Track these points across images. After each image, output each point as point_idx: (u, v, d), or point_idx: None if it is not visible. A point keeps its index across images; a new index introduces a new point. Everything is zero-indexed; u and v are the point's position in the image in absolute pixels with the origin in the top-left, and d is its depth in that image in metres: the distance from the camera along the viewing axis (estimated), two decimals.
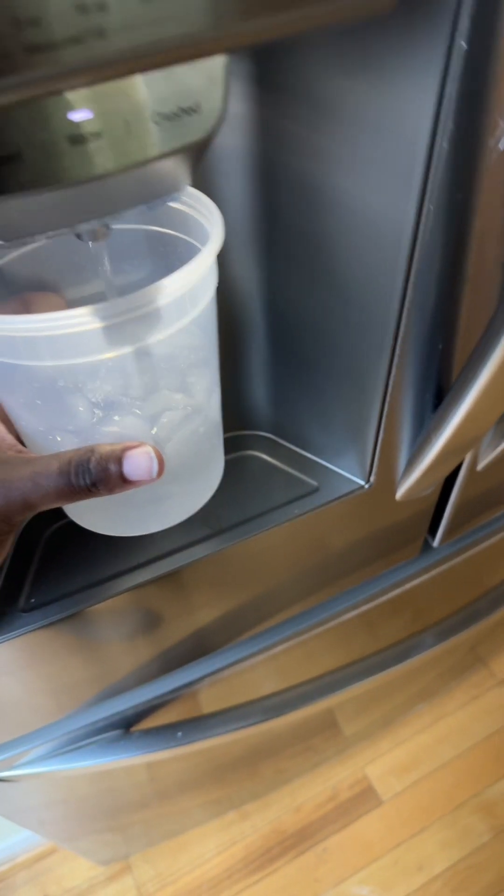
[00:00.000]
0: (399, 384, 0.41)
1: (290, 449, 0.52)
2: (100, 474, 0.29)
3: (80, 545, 0.47)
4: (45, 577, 0.46)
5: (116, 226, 0.33)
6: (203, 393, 0.34)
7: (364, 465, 0.48)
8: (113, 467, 0.29)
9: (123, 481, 0.29)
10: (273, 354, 0.47)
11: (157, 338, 0.28)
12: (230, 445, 0.52)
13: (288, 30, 0.22)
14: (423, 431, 0.46)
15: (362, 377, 0.42)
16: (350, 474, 0.49)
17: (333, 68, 0.30)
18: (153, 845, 1.19)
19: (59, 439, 0.32)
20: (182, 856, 1.15)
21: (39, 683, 0.51)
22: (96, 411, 0.31)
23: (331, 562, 0.57)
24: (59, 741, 0.60)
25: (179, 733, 0.61)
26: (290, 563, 0.54)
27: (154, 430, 0.32)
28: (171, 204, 0.31)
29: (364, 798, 1.18)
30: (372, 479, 0.48)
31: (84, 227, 0.26)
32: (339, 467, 0.50)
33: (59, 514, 0.47)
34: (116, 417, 0.31)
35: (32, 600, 0.44)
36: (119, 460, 0.29)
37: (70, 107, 0.21)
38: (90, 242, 0.28)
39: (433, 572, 0.65)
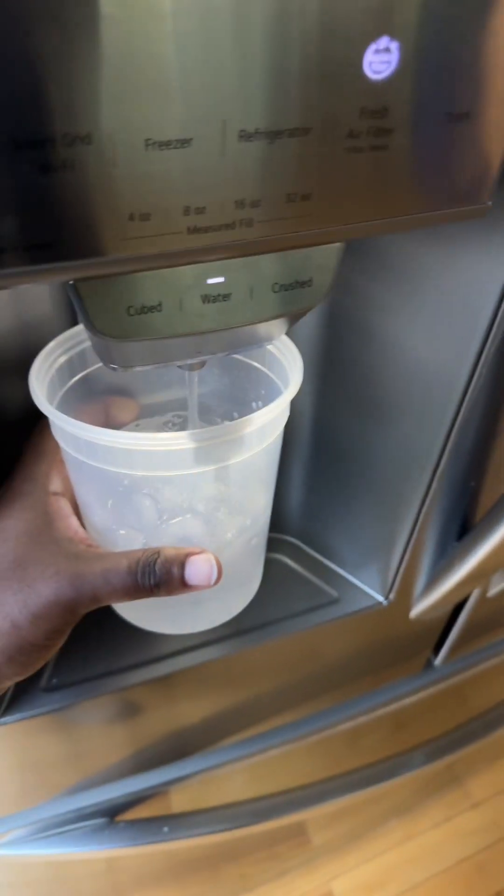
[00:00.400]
0: (430, 512, 0.44)
1: (314, 557, 0.54)
2: (163, 576, 0.31)
3: (104, 629, 0.48)
4: (68, 658, 0.47)
5: None
6: (260, 508, 0.36)
7: (385, 582, 0.50)
8: (176, 571, 0.31)
9: (183, 585, 0.31)
10: (312, 467, 0.50)
11: (236, 460, 0.31)
12: None
13: (397, 229, 0.26)
14: (444, 558, 0.48)
15: (397, 501, 0.45)
16: (370, 589, 0.51)
17: (412, 239, 0.35)
18: None
19: (122, 533, 0.35)
20: None
21: (34, 762, 0.51)
22: (164, 514, 0.34)
23: (335, 670, 0.58)
24: (40, 824, 0.59)
25: (166, 828, 0.60)
26: (296, 669, 0.55)
27: (214, 538, 0.35)
28: None
29: None
30: (391, 596, 0.50)
31: (188, 362, 0.29)
32: (360, 580, 0.52)
33: None
34: (179, 519, 0.34)
35: (55, 680, 0.45)
36: (182, 565, 0.31)
37: (209, 273, 0.25)
38: (187, 371, 0.32)
39: (431, 690, 0.66)
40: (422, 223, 0.26)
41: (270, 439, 0.33)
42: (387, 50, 0.22)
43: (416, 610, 0.52)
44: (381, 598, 0.51)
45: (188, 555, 0.32)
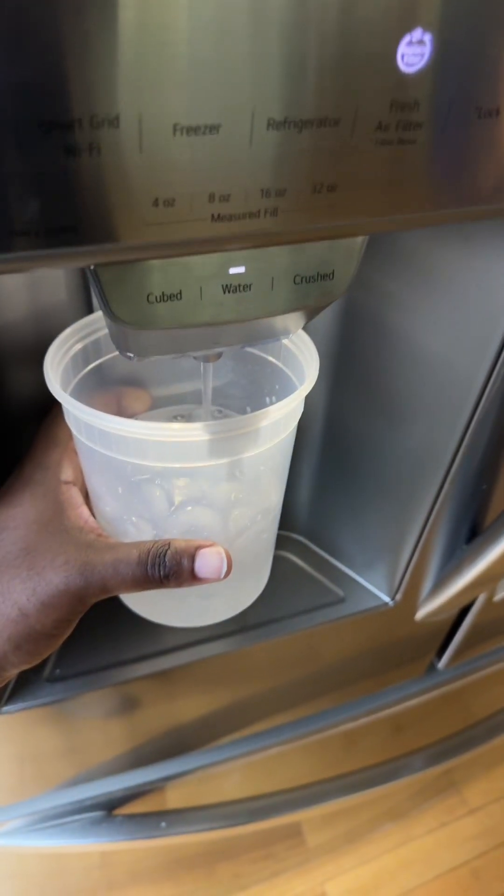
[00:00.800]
0: (440, 514, 0.44)
1: (321, 556, 0.54)
2: (173, 568, 0.31)
3: (109, 621, 0.48)
4: (72, 648, 0.47)
5: None
6: (272, 503, 0.36)
7: (392, 582, 0.50)
8: (186, 563, 0.31)
9: (193, 577, 0.31)
10: (322, 465, 0.50)
11: (250, 454, 0.31)
12: None
13: (422, 224, 0.26)
14: (453, 560, 0.48)
15: (407, 501, 0.45)
16: (377, 589, 0.51)
17: (433, 238, 0.35)
18: None
19: (134, 522, 0.34)
20: None
21: (35, 753, 0.51)
22: (175, 506, 0.33)
23: (339, 670, 0.58)
24: (39, 815, 0.59)
25: (163, 823, 0.60)
26: (300, 667, 0.55)
27: (224, 526, 0.35)
28: None
29: None
30: (398, 597, 0.50)
31: (204, 353, 0.29)
32: (366, 580, 0.52)
33: None
34: (190, 510, 0.34)
35: (58, 671, 0.45)
36: (192, 557, 0.31)
37: (231, 262, 0.25)
38: (203, 362, 0.31)
39: (433, 693, 0.66)
40: (445, 220, 0.26)
41: (284, 434, 0.33)
42: (420, 42, 0.21)
43: (422, 612, 0.52)
44: (387, 599, 0.50)
45: (198, 547, 0.31)
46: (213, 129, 0.21)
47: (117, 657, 0.46)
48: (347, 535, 0.51)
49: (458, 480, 0.42)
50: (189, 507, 0.34)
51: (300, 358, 0.34)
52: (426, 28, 0.21)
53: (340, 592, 0.51)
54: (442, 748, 0.81)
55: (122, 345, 0.28)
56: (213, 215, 0.23)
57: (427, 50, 0.21)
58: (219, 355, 0.31)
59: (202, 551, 0.31)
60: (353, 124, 0.22)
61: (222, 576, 0.32)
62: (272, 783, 0.74)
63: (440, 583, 0.49)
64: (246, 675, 0.52)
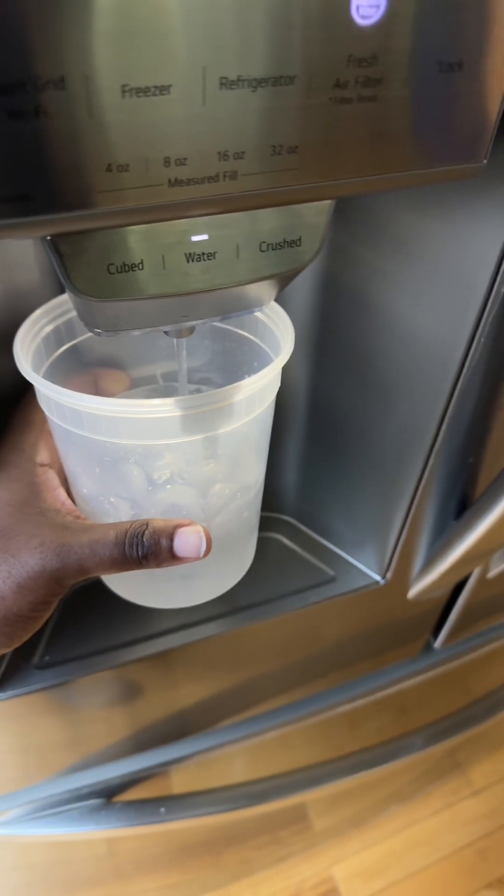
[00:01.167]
0: (428, 489, 0.43)
1: (310, 536, 0.54)
2: (151, 547, 0.30)
3: (98, 607, 0.48)
4: (61, 635, 0.46)
5: None
6: (252, 480, 0.36)
7: (382, 561, 0.49)
8: (164, 542, 0.31)
9: (172, 557, 0.31)
10: (308, 443, 0.49)
11: (226, 429, 0.30)
12: None
13: (388, 187, 0.25)
14: (443, 536, 0.48)
15: (394, 478, 0.44)
16: (367, 568, 0.51)
17: (408, 204, 0.34)
18: None
19: (112, 501, 0.34)
20: None
21: (30, 741, 0.51)
22: (152, 483, 0.33)
23: (333, 652, 0.58)
24: (36, 805, 0.59)
25: (162, 809, 0.60)
26: (295, 649, 0.55)
27: (203, 503, 0.34)
28: None
29: None
30: (388, 575, 0.50)
31: (175, 327, 0.29)
32: (357, 560, 0.51)
33: None
34: (169, 488, 0.33)
35: (47, 657, 0.45)
36: (171, 536, 0.31)
37: (193, 230, 0.24)
38: (175, 338, 0.31)
39: (431, 673, 0.66)
40: (413, 181, 0.25)
41: (261, 408, 0.32)
42: None
43: (414, 590, 0.52)
44: (378, 578, 0.50)
45: (177, 526, 0.31)
46: (164, 89, 0.20)
47: (107, 642, 0.46)
48: (336, 514, 0.51)
49: (444, 454, 0.41)
50: (168, 486, 0.33)
51: (276, 332, 0.34)
52: None
53: (331, 572, 0.51)
54: (443, 726, 0.81)
55: (88, 320, 0.27)
56: (169, 180, 0.22)
57: (383, 1, 0.21)
58: (191, 330, 0.31)
59: (181, 530, 0.31)
60: (310, 82, 0.21)
61: (202, 554, 0.31)
62: (274, 766, 0.74)
63: (431, 560, 0.49)
64: (239, 658, 0.52)
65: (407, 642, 0.62)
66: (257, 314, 0.35)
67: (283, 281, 0.28)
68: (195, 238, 0.24)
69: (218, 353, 0.38)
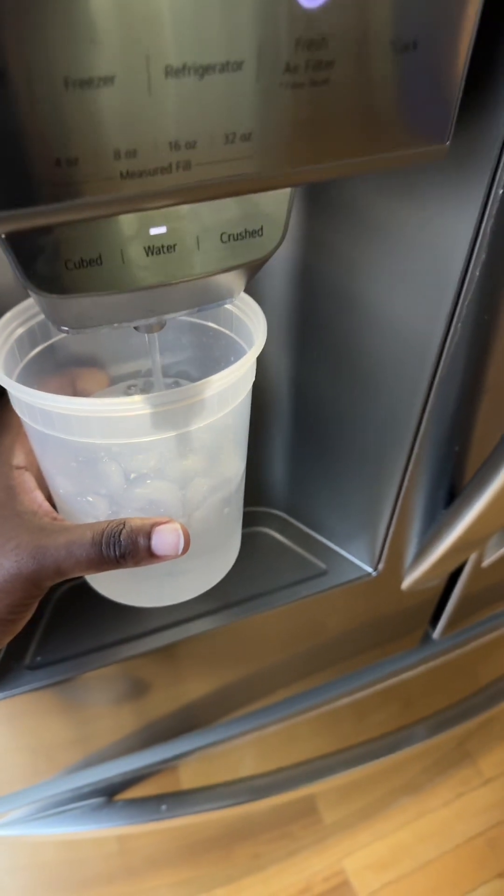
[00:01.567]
0: (415, 479, 0.43)
1: (301, 529, 0.53)
2: (129, 547, 0.30)
3: (88, 607, 0.48)
4: (52, 636, 0.46)
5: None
6: (231, 474, 0.35)
7: (374, 552, 0.49)
8: (142, 541, 0.30)
9: (150, 555, 0.31)
10: (294, 436, 0.49)
11: (200, 425, 0.30)
12: (242, 521, 0.54)
13: (349, 172, 0.25)
14: (433, 526, 0.47)
15: (380, 468, 0.44)
16: (359, 560, 0.50)
17: (380, 192, 0.33)
18: None
19: (90, 499, 0.34)
20: None
21: (26, 743, 0.51)
22: (130, 478, 0.33)
23: (330, 645, 0.58)
24: (38, 805, 0.59)
25: (164, 806, 0.60)
26: (290, 644, 0.55)
27: (182, 498, 0.34)
28: None
29: (339, 893, 1.13)
30: (380, 566, 0.49)
31: (143, 322, 0.28)
32: (348, 552, 0.51)
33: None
34: (146, 486, 0.33)
35: (38, 658, 0.45)
36: (148, 535, 0.31)
37: (151, 222, 0.24)
38: (146, 334, 0.31)
39: (431, 664, 0.65)
40: (375, 166, 0.25)
41: (236, 402, 0.32)
42: None
43: (408, 581, 0.51)
44: (369, 570, 0.50)
45: (154, 525, 0.31)
46: (107, 80, 0.20)
47: (99, 641, 0.46)
48: (326, 507, 0.51)
49: (429, 443, 0.41)
50: (147, 481, 0.33)
51: (249, 324, 0.33)
52: None
53: (322, 565, 0.51)
54: (449, 715, 0.81)
55: (54, 318, 0.27)
56: (121, 173, 0.22)
57: None
58: (161, 325, 0.30)
59: (158, 528, 0.31)
60: (258, 67, 0.21)
61: (180, 552, 0.31)
62: (281, 760, 0.74)
63: (422, 550, 0.48)
64: (233, 653, 0.52)
65: (405, 633, 0.61)
66: (229, 307, 0.34)
67: (249, 272, 0.27)
68: (154, 231, 0.24)
69: (196, 348, 0.38)
